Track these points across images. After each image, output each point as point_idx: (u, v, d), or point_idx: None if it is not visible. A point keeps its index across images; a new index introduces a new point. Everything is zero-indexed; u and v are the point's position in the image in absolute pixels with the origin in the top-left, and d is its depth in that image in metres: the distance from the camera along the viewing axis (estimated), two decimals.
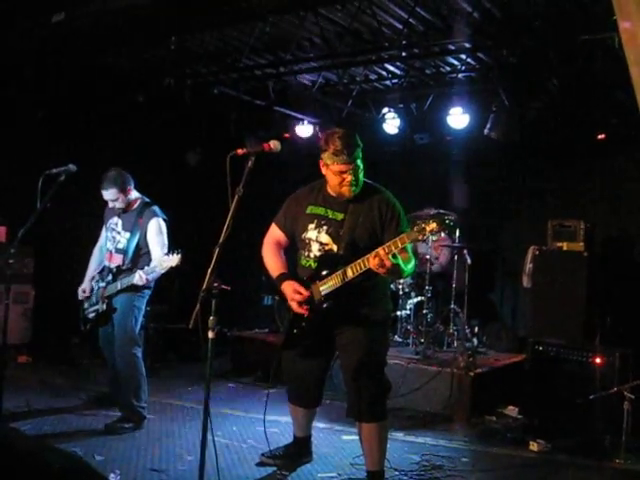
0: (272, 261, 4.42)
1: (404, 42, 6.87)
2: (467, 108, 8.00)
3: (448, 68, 8.05)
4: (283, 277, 4.28)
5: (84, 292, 5.63)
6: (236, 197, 3.52)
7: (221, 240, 3.45)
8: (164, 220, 5.45)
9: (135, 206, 5.49)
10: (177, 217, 5.73)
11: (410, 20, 6.61)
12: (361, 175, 4.16)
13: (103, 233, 5.76)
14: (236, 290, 3.81)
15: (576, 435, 5.54)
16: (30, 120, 7.96)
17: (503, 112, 7.70)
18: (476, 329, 7.92)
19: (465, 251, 7.83)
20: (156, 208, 5.49)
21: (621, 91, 6.60)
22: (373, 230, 4.13)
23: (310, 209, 4.30)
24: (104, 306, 5.41)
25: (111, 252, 5.53)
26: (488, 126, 7.74)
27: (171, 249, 5.05)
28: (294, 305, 4.14)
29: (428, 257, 7.83)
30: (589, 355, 5.68)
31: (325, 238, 4.19)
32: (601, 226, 7.45)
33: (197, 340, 3.47)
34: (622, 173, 7.92)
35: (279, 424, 5.50)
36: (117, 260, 5.45)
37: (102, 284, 5.48)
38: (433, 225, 3.64)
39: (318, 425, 5.48)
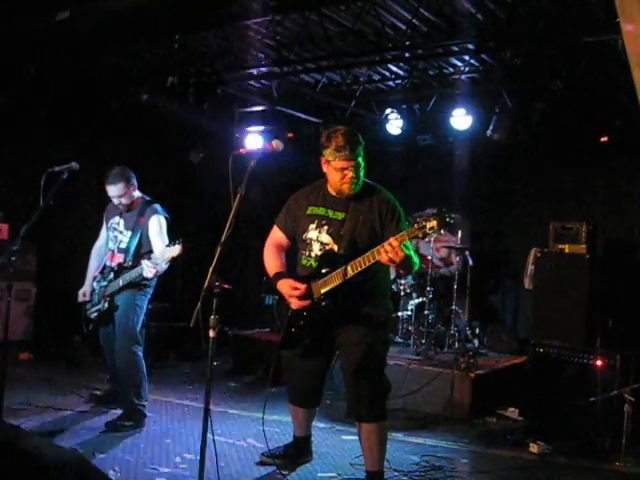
0: (270, 262, 4.43)
1: (407, 43, 6.86)
2: (470, 109, 8.00)
3: (451, 69, 8.05)
4: (279, 276, 4.30)
5: (84, 296, 5.64)
6: (238, 196, 3.53)
7: (223, 239, 3.46)
8: (165, 218, 5.45)
9: (137, 205, 5.50)
10: (179, 216, 5.73)
11: (414, 21, 6.61)
12: (362, 173, 4.17)
13: (103, 233, 5.76)
14: (237, 289, 3.82)
15: (576, 437, 5.54)
16: (33, 118, 7.98)
17: (506, 114, 7.70)
18: (477, 330, 7.94)
19: (467, 252, 7.84)
20: (157, 206, 5.49)
21: (624, 93, 6.59)
22: (373, 229, 4.14)
23: (310, 209, 4.31)
24: (106, 304, 5.42)
25: (113, 252, 5.53)
26: (491, 127, 7.74)
27: (171, 240, 5.04)
28: (294, 301, 4.14)
29: (430, 258, 7.84)
30: (590, 357, 5.67)
31: (326, 238, 4.19)
32: (603, 228, 7.43)
33: (198, 339, 3.47)
34: (625, 175, 7.91)
35: (279, 424, 5.52)
36: (119, 259, 5.45)
37: (104, 283, 5.49)
38: (433, 222, 3.64)
39: (318, 425, 5.48)
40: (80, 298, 5.68)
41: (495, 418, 6.32)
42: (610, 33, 5.52)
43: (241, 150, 3.67)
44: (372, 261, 3.87)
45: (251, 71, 8.06)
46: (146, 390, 5.44)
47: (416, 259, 4.06)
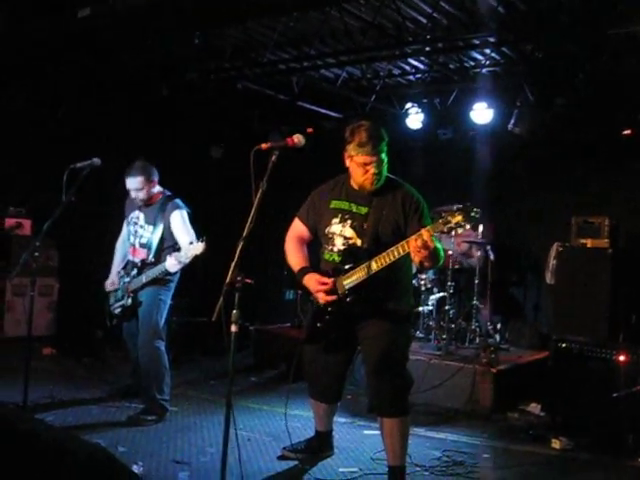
0: (294, 256, 4.42)
1: (428, 36, 6.84)
2: (491, 103, 7.96)
3: (472, 63, 8.01)
4: (305, 271, 4.28)
5: (113, 284, 5.66)
6: (260, 191, 3.53)
7: (245, 234, 3.46)
8: (187, 212, 5.47)
9: (157, 199, 5.50)
10: (200, 212, 5.74)
11: (434, 14, 6.59)
12: (385, 169, 4.15)
13: (125, 227, 5.79)
14: (258, 284, 3.82)
15: (599, 433, 5.49)
16: (55, 114, 8.04)
17: (527, 107, 7.65)
18: (498, 325, 7.89)
19: (489, 247, 7.80)
20: (178, 201, 5.49)
21: None
22: (397, 224, 4.12)
23: (334, 203, 4.30)
24: (129, 300, 5.44)
25: (134, 246, 5.55)
26: (512, 121, 7.71)
27: (196, 237, 5.05)
28: (321, 296, 4.14)
29: (451, 252, 7.80)
30: (613, 353, 5.62)
31: (349, 232, 4.18)
32: (626, 223, 7.36)
33: (219, 334, 3.48)
34: None
35: (301, 418, 5.53)
36: (141, 254, 5.47)
37: (127, 279, 5.52)
38: (459, 217, 3.62)
39: (339, 420, 5.48)
40: (108, 287, 5.70)
41: (517, 413, 6.28)
42: (634, 25, 5.47)
43: (263, 145, 3.66)
44: (398, 255, 3.85)
45: (271, 66, 8.07)
46: (168, 385, 5.46)
47: (442, 252, 4.05)
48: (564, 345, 5.95)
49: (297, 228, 4.50)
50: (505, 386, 6.44)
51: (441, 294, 7.92)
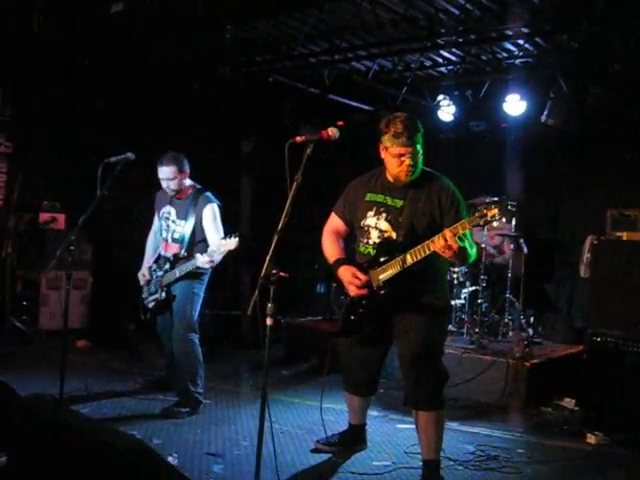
0: (330, 248, 4.42)
1: (460, 28, 6.78)
2: (524, 95, 7.88)
3: (505, 54, 7.93)
4: (340, 262, 4.28)
5: (144, 276, 5.69)
6: (294, 185, 3.52)
7: (280, 227, 3.45)
8: (218, 206, 5.47)
9: (188, 193, 5.50)
10: (232, 205, 5.76)
11: (466, 5, 6.53)
12: (420, 160, 4.13)
13: (156, 221, 5.80)
14: (290, 277, 3.81)
15: (634, 428, 5.42)
16: (89, 109, 8.12)
17: (561, 99, 7.56)
18: (532, 319, 7.82)
19: (522, 240, 7.73)
20: (210, 194, 5.49)
21: None
22: (432, 217, 4.09)
23: (369, 196, 4.28)
24: (163, 294, 5.46)
25: (167, 241, 5.57)
26: (545, 113, 7.63)
27: (227, 233, 5.06)
28: (353, 288, 4.13)
29: (483, 246, 7.75)
30: None
31: (384, 225, 4.16)
32: None
33: (252, 327, 3.48)
34: None
35: (334, 411, 5.52)
36: (174, 249, 5.48)
37: (160, 273, 5.53)
38: (495, 211, 3.60)
39: (372, 413, 5.46)
40: (141, 280, 5.70)
41: (551, 408, 6.22)
42: None
43: (297, 138, 3.64)
44: (427, 252, 3.85)
45: (302, 59, 8.07)
46: (202, 377, 5.49)
47: (471, 251, 4.00)
48: (599, 339, 5.88)
49: (333, 222, 4.50)
50: (539, 380, 6.39)
51: (473, 287, 7.87)
